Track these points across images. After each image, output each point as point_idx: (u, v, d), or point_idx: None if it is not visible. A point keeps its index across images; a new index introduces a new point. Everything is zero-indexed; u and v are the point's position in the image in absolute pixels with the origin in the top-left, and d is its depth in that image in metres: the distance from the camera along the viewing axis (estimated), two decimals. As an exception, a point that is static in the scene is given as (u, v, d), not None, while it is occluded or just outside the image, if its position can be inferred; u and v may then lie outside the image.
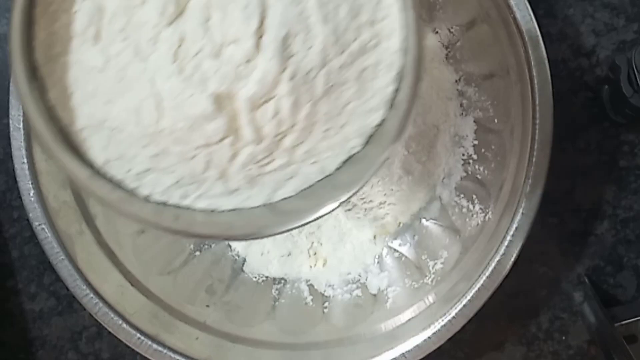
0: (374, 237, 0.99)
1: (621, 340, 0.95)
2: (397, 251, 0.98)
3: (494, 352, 1.04)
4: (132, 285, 0.89)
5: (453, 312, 0.80)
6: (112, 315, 0.84)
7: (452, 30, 0.94)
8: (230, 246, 1.00)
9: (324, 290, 0.98)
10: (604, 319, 0.97)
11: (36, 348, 1.06)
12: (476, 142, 0.93)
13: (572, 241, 1.02)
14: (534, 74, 0.79)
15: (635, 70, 0.90)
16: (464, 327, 0.81)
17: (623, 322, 0.97)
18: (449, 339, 0.81)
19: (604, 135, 1.01)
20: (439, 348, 0.81)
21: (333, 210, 0.58)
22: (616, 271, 1.02)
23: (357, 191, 0.58)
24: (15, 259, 1.04)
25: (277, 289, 0.99)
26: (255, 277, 1.00)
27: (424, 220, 0.98)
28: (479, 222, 0.89)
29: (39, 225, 0.84)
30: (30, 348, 1.06)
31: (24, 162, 0.84)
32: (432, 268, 0.92)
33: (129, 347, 0.85)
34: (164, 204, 0.60)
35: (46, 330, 1.05)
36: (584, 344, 1.03)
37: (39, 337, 1.05)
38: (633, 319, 0.97)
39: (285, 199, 0.60)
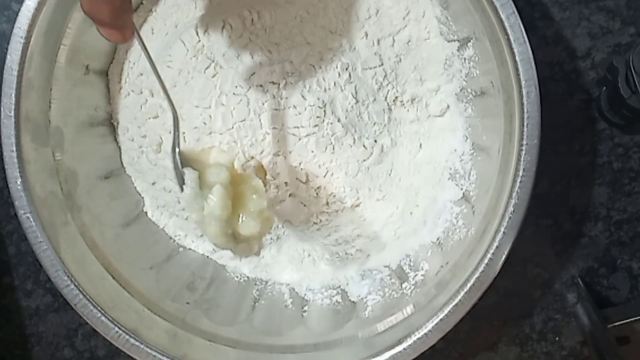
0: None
1: (613, 341, 0.98)
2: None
3: (488, 352, 1.08)
4: (113, 278, 0.92)
5: (430, 326, 0.83)
6: (91, 307, 0.86)
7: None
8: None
9: (305, 294, 1.01)
10: (597, 320, 1.00)
11: (32, 345, 1.09)
12: (464, 157, 0.96)
13: (566, 242, 1.05)
14: (524, 96, 0.81)
15: (633, 72, 0.93)
16: (456, 326, 0.83)
17: (616, 324, 1.00)
18: (442, 339, 0.84)
19: (599, 138, 1.04)
20: (431, 347, 0.84)
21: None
22: (610, 273, 1.06)
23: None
24: (12, 256, 1.08)
25: (257, 290, 1.02)
26: (237, 277, 1.03)
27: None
28: (461, 237, 0.91)
29: (24, 213, 0.86)
30: (26, 345, 1.09)
31: (12, 150, 0.86)
32: (413, 279, 0.95)
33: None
34: None
35: (42, 327, 1.09)
36: (576, 344, 1.07)
37: (35, 334, 1.09)
38: (626, 321, 1.00)
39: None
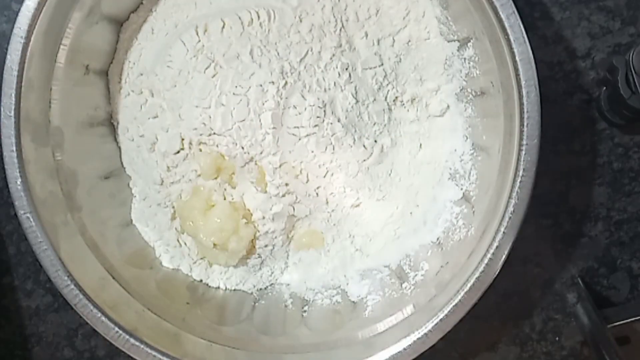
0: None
1: (613, 341, 0.98)
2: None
3: (488, 352, 1.08)
4: (113, 278, 0.92)
5: (430, 326, 0.83)
6: (92, 307, 0.86)
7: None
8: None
9: (304, 294, 1.01)
10: (597, 320, 1.01)
11: (32, 345, 1.09)
12: (464, 157, 0.96)
13: (566, 242, 1.06)
14: (524, 96, 0.81)
15: (633, 72, 0.93)
16: (456, 326, 0.83)
17: (616, 324, 1.01)
18: (442, 339, 0.84)
19: (599, 138, 1.04)
20: (431, 347, 0.84)
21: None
22: (609, 273, 1.06)
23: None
24: (12, 256, 1.08)
25: (257, 290, 1.02)
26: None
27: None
28: (461, 237, 0.92)
29: (24, 213, 0.85)
30: (26, 345, 1.09)
31: (12, 150, 0.85)
32: (413, 279, 0.95)
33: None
34: None
35: (42, 327, 1.09)
36: (577, 344, 1.07)
37: (35, 334, 1.09)
38: (626, 321, 1.01)
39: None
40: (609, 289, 1.06)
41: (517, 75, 0.80)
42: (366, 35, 0.95)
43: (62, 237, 0.88)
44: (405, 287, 0.94)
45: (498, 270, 0.82)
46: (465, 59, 0.93)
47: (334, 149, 0.92)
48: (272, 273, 1.01)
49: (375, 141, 0.95)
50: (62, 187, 0.91)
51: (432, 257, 0.94)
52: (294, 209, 0.95)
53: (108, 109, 1.00)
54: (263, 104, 0.90)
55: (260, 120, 0.91)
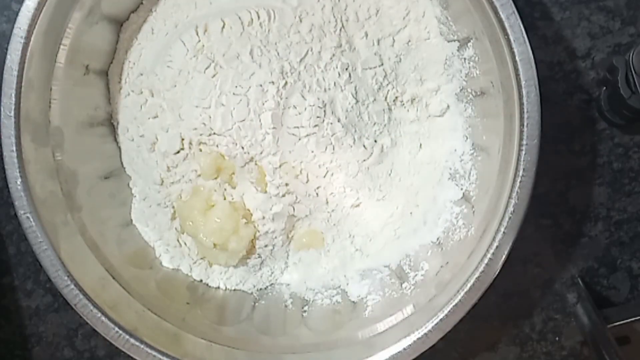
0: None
1: (613, 341, 0.98)
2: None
3: (488, 352, 1.08)
4: (113, 278, 0.92)
5: (430, 326, 0.83)
6: (92, 307, 0.86)
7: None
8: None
9: (304, 294, 1.01)
10: (597, 320, 1.01)
11: (32, 345, 1.09)
12: (464, 157, 0.96)
13: (566, 242, 1.06)
14: (524, 96, 0.81)
15: (633, 72, 0.93)
16: (456, 326, 0.83)
17: (616, 324, 1.01)
18: (442, 339, 0.84)
19: (599, 138, 1.04)
20: (431, 347, 0.84)
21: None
22: (609, 273, 1.06)
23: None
24: (12, 256, 1.08)
25: (257, 290, 1.02)
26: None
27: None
28: (461, 237, 0.92)
29: (24, 213, 0.85)
30: (26, 345, 1.09)
31: (12, 150, 0.85)
32: (413, 279, 0.95)
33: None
34: None
35: (42, 327, 1.09)
36: (577, 344, 1.07)
37: (35, 334, 1.09)
38: (626, 321, 1.01)
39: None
40: (609, 289, 1.06)
41: (517, 75, 0.80)
42: (366, 35, 0.95)
43: (62, 237, 0.88)
44: (405, 287, 0.94)
45: (498, 270, 0.82)
46: (465, 59, 0.93)
47: (334, 149, 0.92)
48: (272, 273, 1.01)
49: (375, 141, 0.95)
50: (62, 187, 0.91)
51: (432, 257, 0.94)
52: (294, 209, 0.95)
53: (108, 109, 1.00)
54: (263, 104, 0.90)
55: (260, 120, 0.91)
